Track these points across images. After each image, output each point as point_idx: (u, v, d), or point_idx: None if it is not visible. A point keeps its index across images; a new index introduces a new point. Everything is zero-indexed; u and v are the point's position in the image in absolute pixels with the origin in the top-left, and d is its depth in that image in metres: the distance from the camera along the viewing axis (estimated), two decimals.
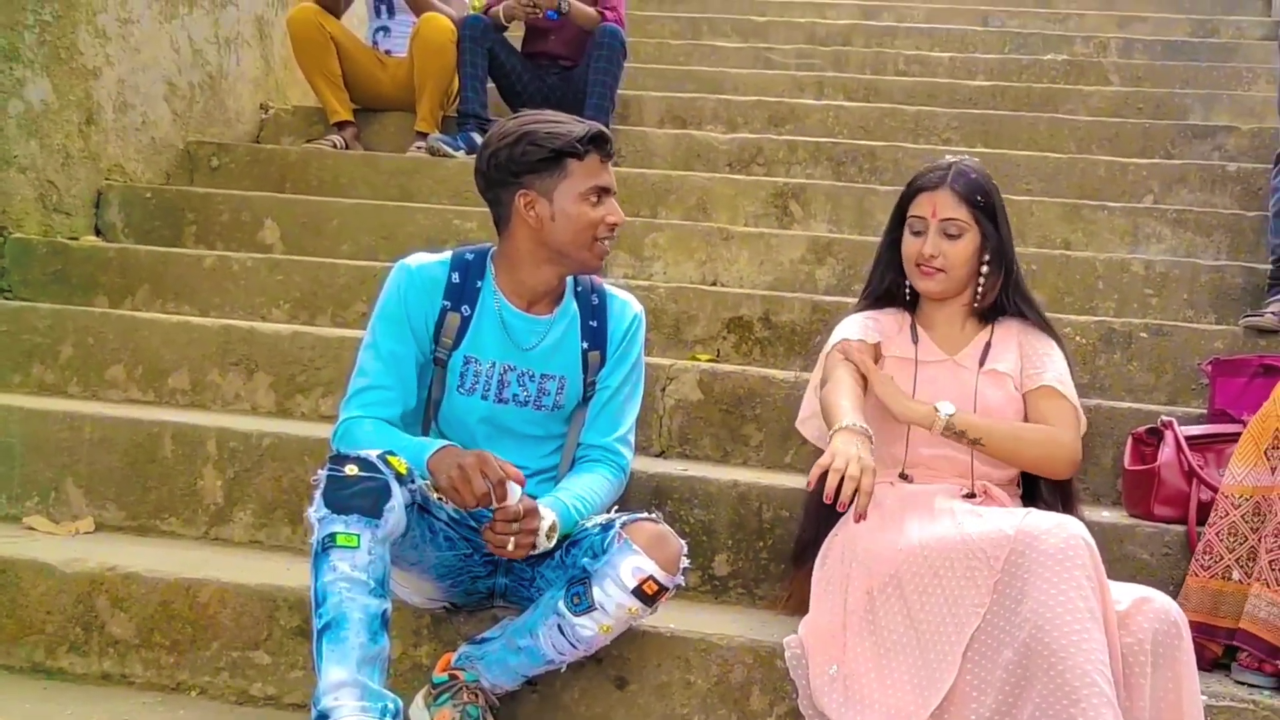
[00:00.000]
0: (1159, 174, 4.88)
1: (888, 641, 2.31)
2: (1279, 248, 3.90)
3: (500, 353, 2.56)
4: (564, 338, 2.59)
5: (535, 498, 2.49)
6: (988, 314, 2.76)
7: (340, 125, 5.27)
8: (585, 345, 2.61)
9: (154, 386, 3.66)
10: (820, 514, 2.56)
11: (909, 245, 2.69)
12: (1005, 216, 2.70)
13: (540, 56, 5.33)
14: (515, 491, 2.31)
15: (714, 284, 4.29)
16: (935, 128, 5.38)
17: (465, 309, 2.55)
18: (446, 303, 2.54)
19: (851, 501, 2.21)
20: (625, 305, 2.67)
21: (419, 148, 5.13)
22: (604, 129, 2.52)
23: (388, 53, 5.45)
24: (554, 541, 2.39)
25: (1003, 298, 2.72)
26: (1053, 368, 2.68)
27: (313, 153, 5.09)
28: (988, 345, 2.72)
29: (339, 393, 3.52)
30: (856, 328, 2.73)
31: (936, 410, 2.53)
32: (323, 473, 2.24)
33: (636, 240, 4.38)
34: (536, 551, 2.37)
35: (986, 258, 2.68)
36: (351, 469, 2.21)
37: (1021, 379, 2.69)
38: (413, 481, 2.31)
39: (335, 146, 5.18)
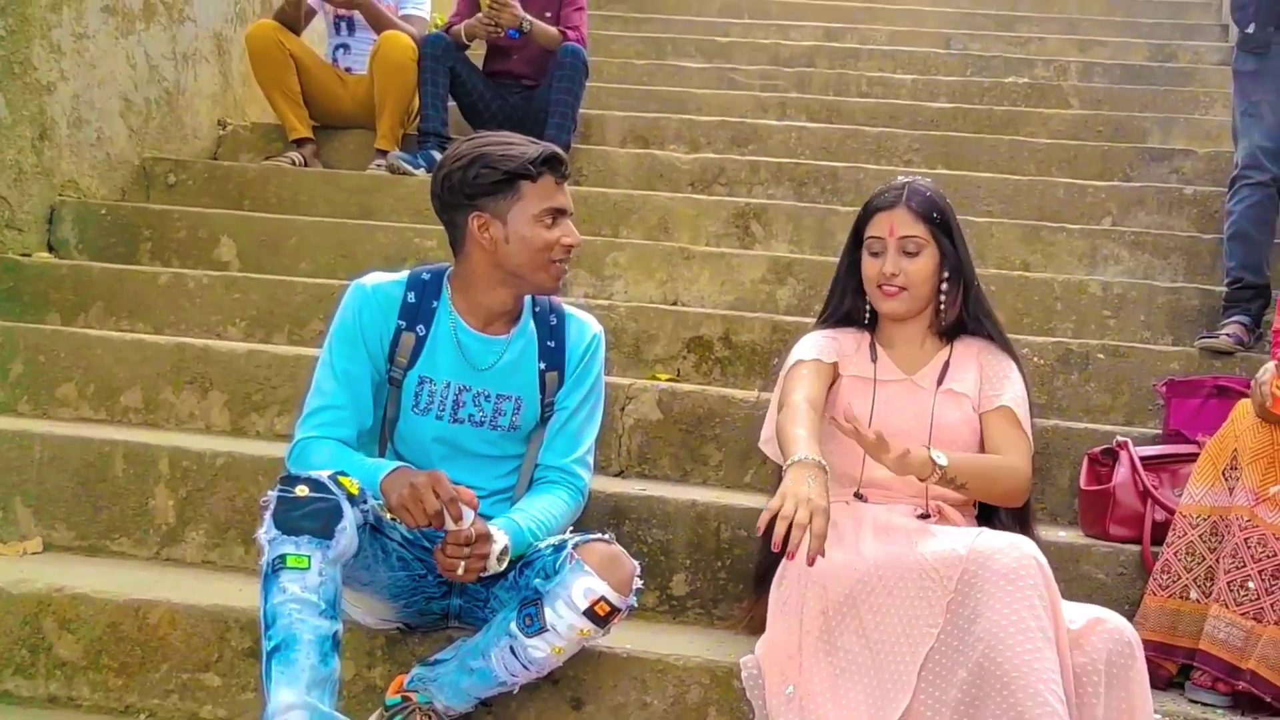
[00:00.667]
0: (1117, 196, 4.92)
1: (843, 662, 2.31)
2: (1233, 270, 3.95)
3: (455, 373, 2.54)
4: (521, 358, 2.57)
5: (490, 518, 2.46)
6: (948, 332, 2.74)
7: (299, 142, 5.23)
8: (543, 366, 2.59)
9: (106, 405, 3.61)
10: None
11: (869, 266, 2.69)
12: (961, 233, 2.71)
13: (502, 75, 5.32)
14: (468, 515, 2.28)
15: (675, 303, 4.28)
16: (897, 149, 5.41)
17: (420, 329, 2.53)
18: (402, 322, 2.52)
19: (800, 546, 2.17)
20: (584, 326, 2.65)
21: (379, 165, 5.10)
22: (558, 150, 2.50)
23: (348, 70, 5.42)
24: (505, 565, 2.36)
25: (964, 314, 2.71)
26: (1010, 389, 2.66)
27: (271, 170, 5.05)
28: (946, 364, 2.70)
29: (295, 411, 3.48)
30: (814, 347, 2.71)
31: (934, 461, 2.41)
32: (272, 493, 2.22)
33: (597, 259, 4.37)
34: (487, 574, 2.35)
35: (945, 275, 2.68)
36: (302, 490, 2.19)
37: (979, 399, 2.67)
38: (365, 502, 2.28)
39: (294, 164, 5.13)
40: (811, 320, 3.84)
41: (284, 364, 3.56)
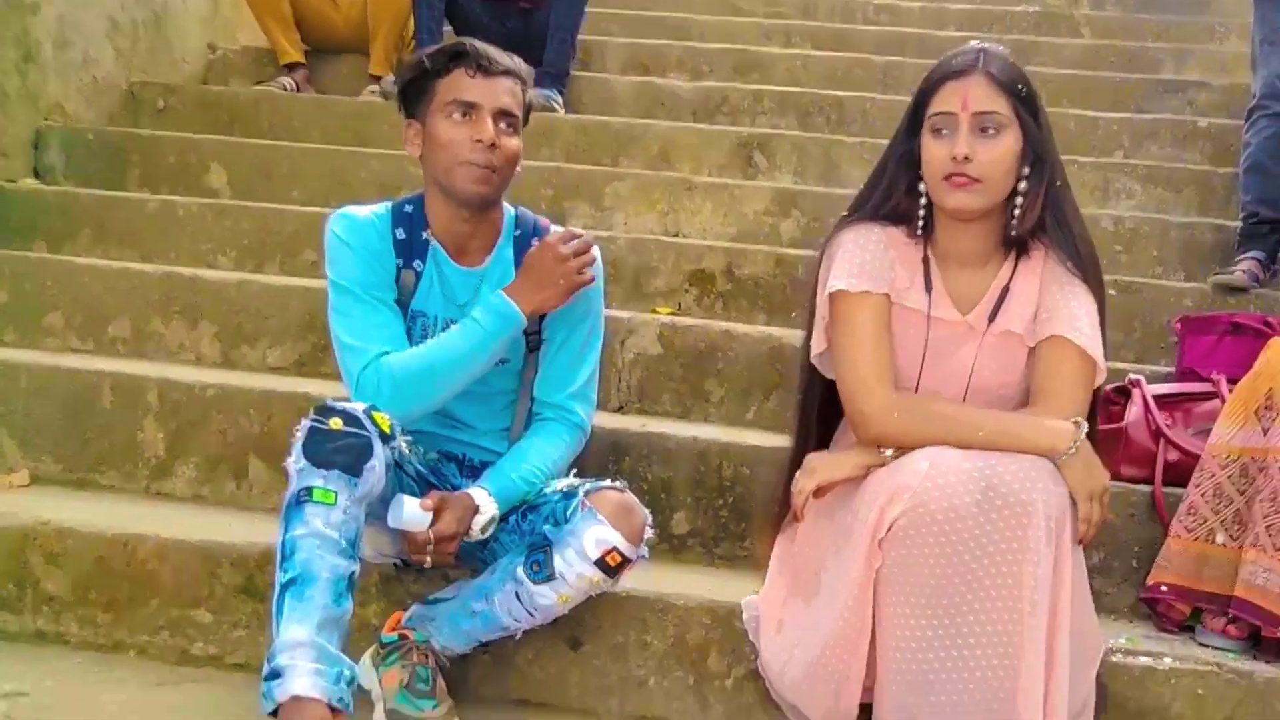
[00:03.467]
0: (1129, 129, 4.82)
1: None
2: (1249, 204, 3.85)
3: (443, 308, 2.45)
4: (499, 288, 2.44)
5: (485, 465, 2.44)
6: (1019, 242, 2.26)
7: (291, 67, 5.11)
8: None
9: (93, 335, 3.52)
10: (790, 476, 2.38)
11: (934, 150, 2.16)
12: (1046, 114, 2.22)
13: None
14: (422, 519, 2.24)
15: (676, 235, 4.19)
16: (904, 79, 5.27)
17: (417, 264, 2.44)
18: (399, 260, 2.43)
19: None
20: None
21: (373, 91, 5.00)
22: (468, 42, 2.37)
23: None
24: (490, 531, 2.32)
25: (1043, 219, 2.22)
26: (1070, 314, 2.20)
27: (262, 95, 4.94)
28: (1005, 291, 2.25)
29: (287, 343, 3.44)
30: (866, 270, 2.22)
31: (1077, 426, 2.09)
32: (306, 422, 2.14)
33: (596, 189, 4.27)
34: (470, 541, 2.31)
35: (1027, 169, 2.18)
36: (336, 422, 2.12)
37: (1035, 328, 2.25)
38: (394, 440, 2.22)
39: (286, 89, 5.02)
40: (814, 255, 3.81)
41: (275, 294, 3.47)
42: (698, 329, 3.34)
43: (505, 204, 2.51)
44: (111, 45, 4.74)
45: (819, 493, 2.22)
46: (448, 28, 5.11)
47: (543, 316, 2.47)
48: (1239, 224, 3.93)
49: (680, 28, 5.96)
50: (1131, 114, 5.02)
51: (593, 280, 2.39)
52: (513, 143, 2.39)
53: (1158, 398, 2.96)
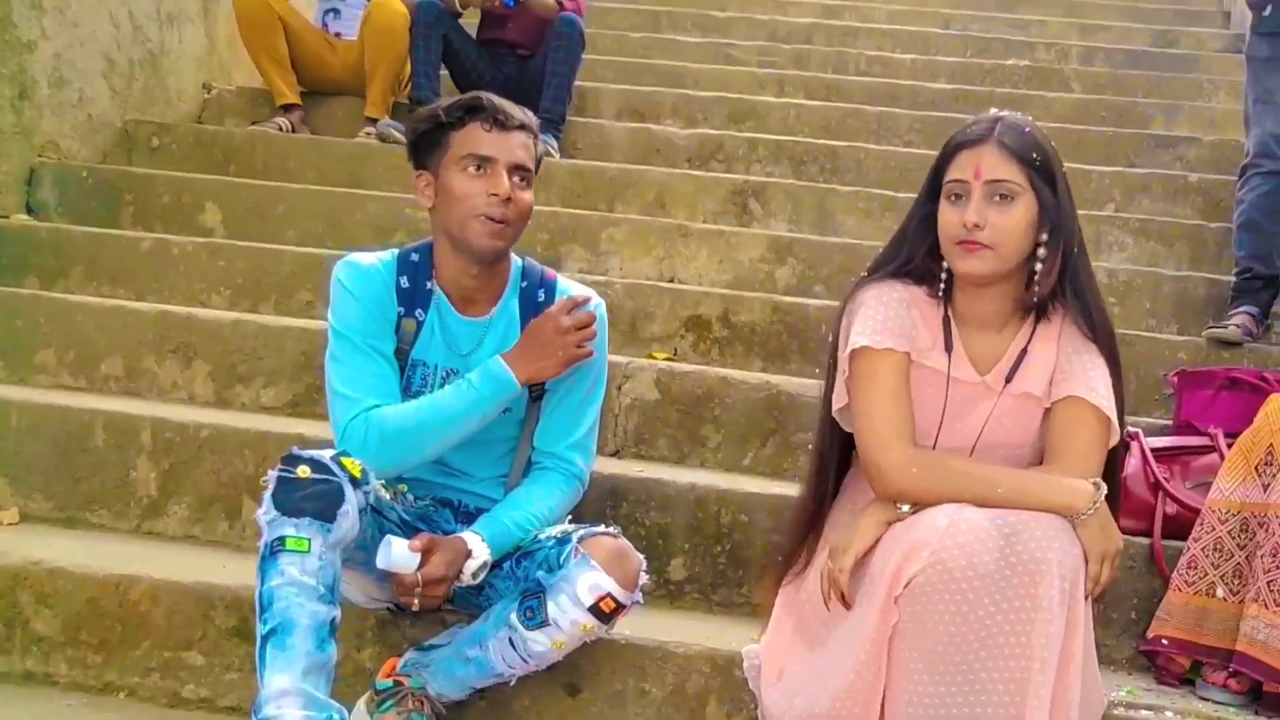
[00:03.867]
0: (1121, 183, 4.86)
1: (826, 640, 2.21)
2: (1243, 259, 3.89)
3: (445, 359, 2.44)
4: (504, 341, 2.45)
5: (479, 512, 2.42)
6: (1039, 307, 2.25)
7: (287, 108, 5.11)
8: None
9: (86, 373, 3.50)
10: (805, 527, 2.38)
11: (947, 216, 2.17)
12: (1066, 182, 2.20)
13: (497, 44, 5.21)
14: (412, 560, 2.21)
15: (671, 281, 4.20)
16: (897, 129, 5.33)
17: (419, 313, 2.43)
18: (401, 309, 2.42)
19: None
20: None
21: (369, 134, 5.01)
22: (484, 96, 2.38)
23: (338, 35, 5.30)
24: (482, 577, 2.30)
25: (1060, 286, 2.22)
26: (1087, 377, 2.20)
27: (258, 135, 4.94)
28: (1023, 353, 2.25)
29: (282, 383, 3.42)
30: (888, 327, 2.22)
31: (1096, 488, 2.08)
32: (273, 473, 2.13)
33: (593, 234, 4.28)
34: (462, 585, 2.29)
35: (1044, 236, 2.17)
36: (304, 470, 2.11)
37: (1050, 390, 2.24)
38: (367, 484, 2.20)
39: (281, 130, 5.02)
40: (812, 302, 3.83)
41: (270, 334, 3.45)
42: (695, 375, 3.34)
43: (512, 254, 2.51)
44: (107, 84, 4.74)
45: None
46: (444, 72, 5.14)
47: None
48: (1231, 278, 3.97)
49: (674, 75, 6.00)
50: (1123, 168, 5.06)
51: (592, 354, 2.40)
52: (526, 197, 2.39)
53: (1155, 450, 2.97)
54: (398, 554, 2.21)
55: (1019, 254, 2.18)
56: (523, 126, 2.39)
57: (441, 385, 2.43)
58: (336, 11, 5.37)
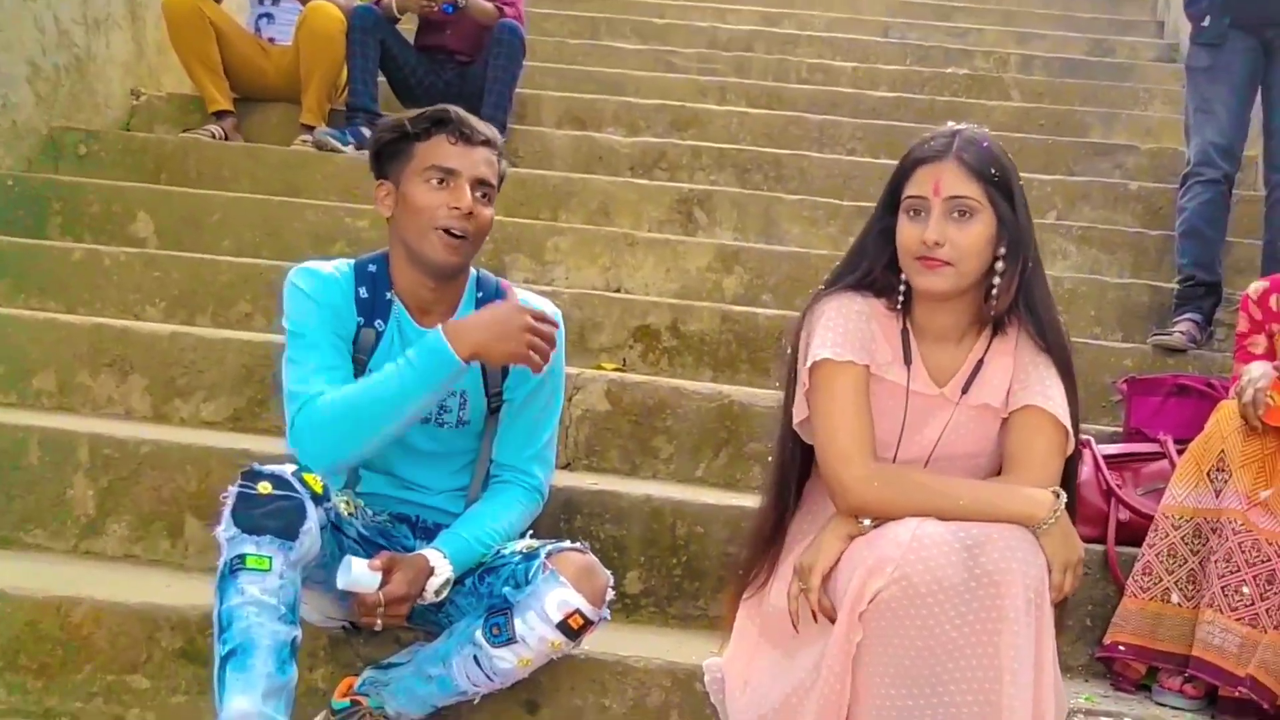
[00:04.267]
0: (1062, 190, 4.91)
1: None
2: (1185, 267, 3.94)
3: None
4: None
5: (438, 527, 2.38)
6: (995, 321, 2.24)
7: (219, 115, 5.00)
8: None
9: (17, 388, 3.38)
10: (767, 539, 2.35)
11: (907, 232, 2.16)
12: (1024, 197, 2.19)
13: (435, 51, 5.14)
14: (371, 580, 2.16)
15: (618, 290, 4.16)
16: (840, 137, 5.35)
17: (379, 324, 2.38)
18: (360, 319, 2.37)
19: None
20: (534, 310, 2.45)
21: (305, 141, 4.91)
22: (451, 109, 2.35)
23: (271, 40, 5.21)
24: (444, 595, 2.25)
25: (1018, 301, 2.20)
26: (1043, 388, 2.20)
27: (190, 143, 4.84)
28: (979, 364, 2.24)
29: (222, 397, 3.33)
30: (847, 341, 2.20)
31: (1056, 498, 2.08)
32: (233, 489, 2.08)
33: (538, 244, 4.24)
34: (424, 603, 2.24)
35: (1002, 250, 2.15)
36: (265, 486, 2.05)
37: (1007, 401, 2.23)
38: (328, 500, 2.14)
39: (214, 137, 4.92)
40: (761, 311, 3.82)
41: (210, 347, 3.37)
42: (646, 385, 3.31)
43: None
44: (32, 89, 4.61)
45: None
46: (381, 79, 5.06)
47: (504, 377, 2.42)
48: (1175, 286, 4.01)
49: (615, 83, 5.96)
50: (1063, 176, 5.11)
51: (541, 366, 2.30)
52: (486, 212, 2.35)
53: (1107, 458, 2.99)
54: (358, 573, 2.15)
55: (978, 270, 2.16)
56: (487, 142, 2.36)
57: None
58: (270, 16, 5.27)
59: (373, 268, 2.41)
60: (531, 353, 2.24)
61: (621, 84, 5.96)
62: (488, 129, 2.38)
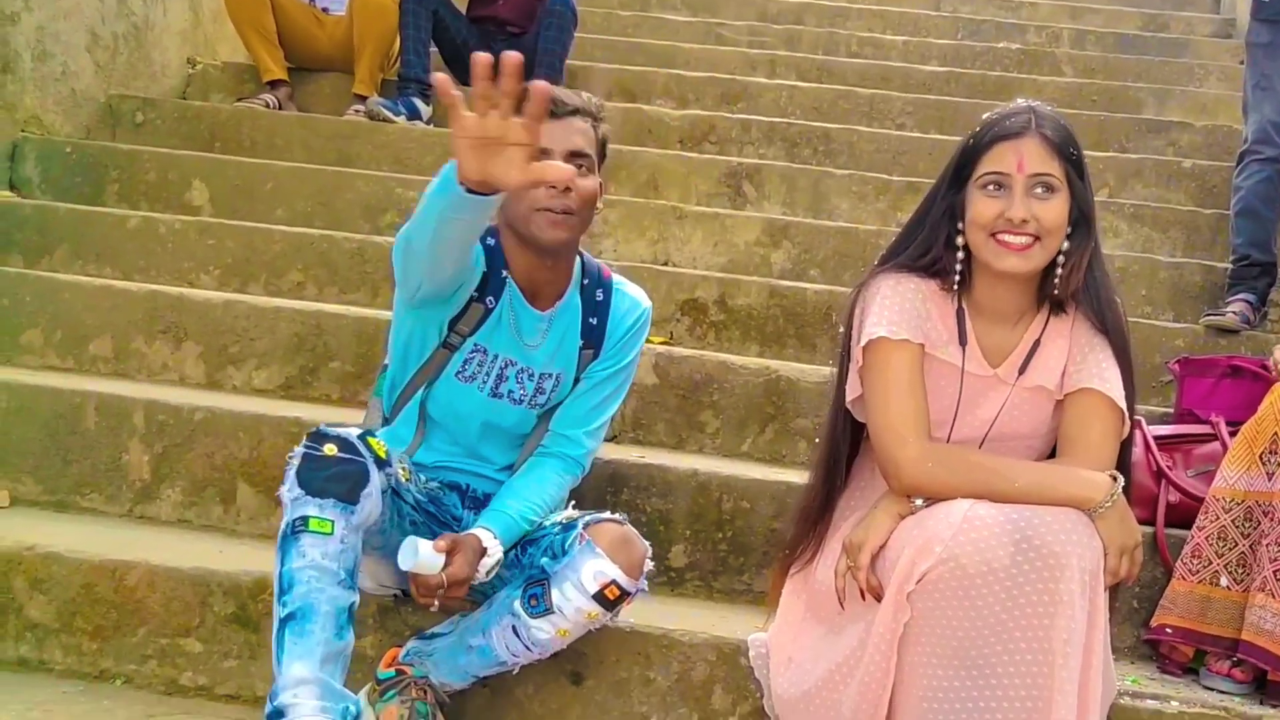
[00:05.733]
0: (1115, 168, 4.85)
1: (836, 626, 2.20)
2: (1240, 246, 3.89)
3: (506, 347, 2.41)
4: (565, 335, 2.44)
5: (485, 496, 2.40)
6: (1055, 304, 2.22)
7: (274, 84, 5.04)
8: (582, 343, 2.45)
9: (74, 353, 3.43)
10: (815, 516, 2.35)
11: (985, 207, 2.12)
12: (1090, 176, 2.19)
13: (487, 21, 5.15)
14: (437, 560, 2.16)
15: (665, 264, 4.16)
16: (890, 111, 5.31)
17: (489, 300, 2.39)
18: (475, 293, 2.37)
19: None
20: (634, 303, 2.50)
21: (357, 111, 4.94)
22: (534, 83, 2.32)
23: (325, 10, 5.22)
24: (494, 575, 2.26)
25: (1086, 282, 2.18)
26: (1100, 370, 2.18)
27: (244, 112, 4.87)
28: (1036, 345, 2.23)
29: (274, 365, 3.38)
30: (902, 319, 2.19)
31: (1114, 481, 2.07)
32: (299, 449, 2.10)
33: None
34: (476, 584, 2.24)
35: (1069, 230, 2.15)
36: (330, 448, 2.07)
37: (1062, 383, 2.22)
38: (390, 465, 2.16)
39: (268, 106, 4.95)
40: (807, 286, 3.81)
41: (263, 315, 3.40)
42: (693, 359, 3.31)
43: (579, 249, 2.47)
44: (91, 58, 4.66)
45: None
46: (433, 49, 5.08)
47: (593, 360, 2.45)
48: (1228, 265, 3.96)
49: (665, 55, 5.94)
50: (1115, 153, 5.06)
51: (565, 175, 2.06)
52: (588, 184, 2.31)
53: (1158, 439, 2.96)
54: (425, 555, 2.15)
55: (1058, 246, 2.15)
56: (578, 111, 2.33)
57: (497, 377, 2.41)
58: None
59: (490, 242, 2.40)
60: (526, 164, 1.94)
61: (671, 56, 5.94)
62: (577, 97, 2.34)
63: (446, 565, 2.17)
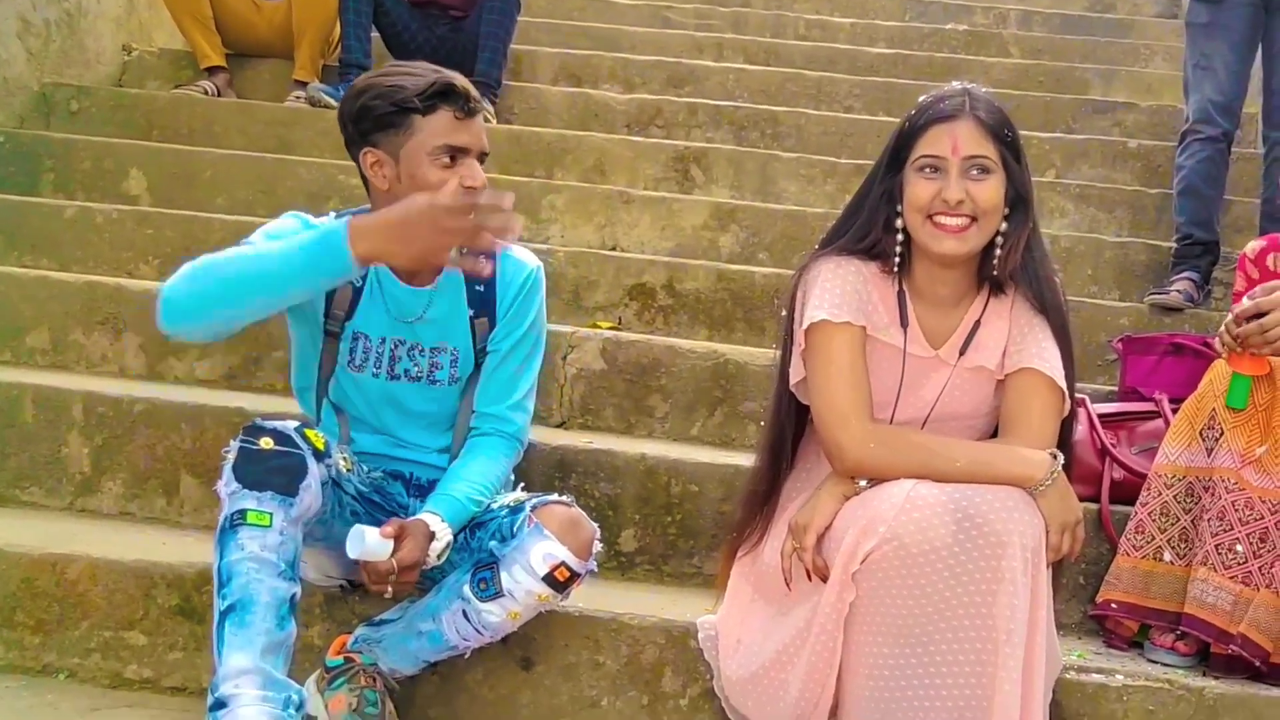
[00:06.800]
0: (1061, 148, 4.89)
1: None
2: (1183, 225, 3.93)
3: (387, 327, 2.38)
4: (451, 308, 2.39)
5: (429, 482, 2.38)
6: (994, 284, 2.24)
7: (211, 71, 4.96)
8: (472, 312, 2.41)
9: (10, 346, 3.37)
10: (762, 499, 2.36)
11: (920, 189, 2.13)
12: (1026, 157, 2.21)
13: (429, 6, 5.07)
14: (384, 548, 2.14)
15: (614, 249, 4.15)
16: (838, 94, 5.32)
17: (357, 279, 2.34)
18: None
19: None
20: (519, 264, 2.44)
21: (298, 97, 4.88)
22: (454, 80, 2.27)
23: None
24: (444, 559, 2.24)
25: (1023, 262, 2.20)
26: (1040, 350, 2.20)
27: (182, 99, 4.80)
28: (976, 325, 2.24)
29: (217, 355, 3.33)
30: (843, 302, 2.19)
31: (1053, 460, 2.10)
32: (234, 443, 2.08)
33: (533, 201, 4.21)
34: (426, 568, 2.22)
35: (1007, 211, 2.16)
36: (267, 441, 2.06)
37: (1003, 363, 2.24)
38: (329, 457, 2.14)
39: (206, 93, 4.88)
40: (756, 270, 3.81)
41: None
42: (641, 344, 3.30)
43: None
44: (22, 45, 4.56)
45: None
46: (375, 34, 5.02)
47: (490, 330, 2.41)
48: (1172, 244, 4.00)
49: (610, 39, 5.92)
50: (1062, 134, 5.09)
51: (480, 268, 2.14)
52: (485, 180, 2.32)
53: (1102, 416, 2.98)
54: (372, 543, 2.13)
55: (994, 228, 2.16)
56: (480, 110, 2.33)
57: (389, 359, 2.38)
58: None
59: None
60: (444, 250, 2.07)
61: (617, 40, 5.92)
62: (478, 94, 2.34)
63: (395, 551, 2.15)
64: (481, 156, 2.32)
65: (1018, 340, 2.23)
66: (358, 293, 2.36)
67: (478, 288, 2.41)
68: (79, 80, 4.85)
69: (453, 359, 2.42)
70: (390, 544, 2.15)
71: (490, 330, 2.42)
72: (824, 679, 2.07)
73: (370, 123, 2.27)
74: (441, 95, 2.25)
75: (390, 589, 2.18)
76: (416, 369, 2.40)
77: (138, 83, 5.14)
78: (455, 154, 2.26)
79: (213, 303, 2.11)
